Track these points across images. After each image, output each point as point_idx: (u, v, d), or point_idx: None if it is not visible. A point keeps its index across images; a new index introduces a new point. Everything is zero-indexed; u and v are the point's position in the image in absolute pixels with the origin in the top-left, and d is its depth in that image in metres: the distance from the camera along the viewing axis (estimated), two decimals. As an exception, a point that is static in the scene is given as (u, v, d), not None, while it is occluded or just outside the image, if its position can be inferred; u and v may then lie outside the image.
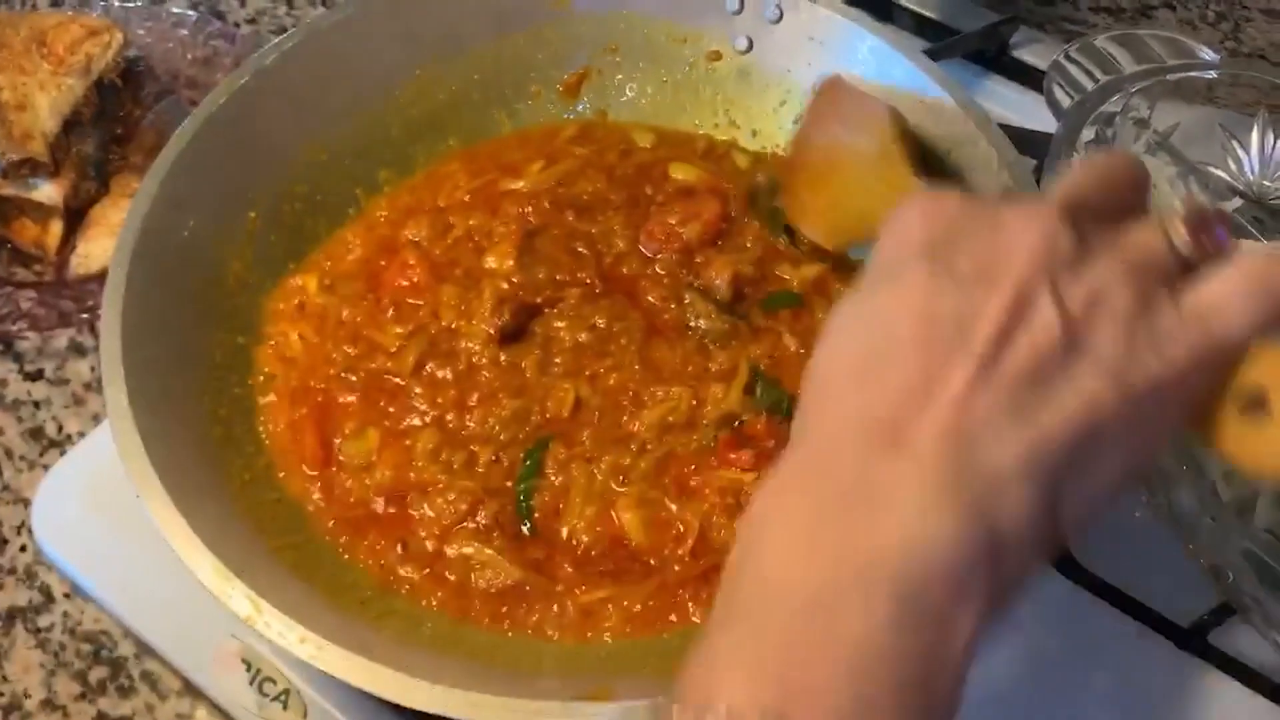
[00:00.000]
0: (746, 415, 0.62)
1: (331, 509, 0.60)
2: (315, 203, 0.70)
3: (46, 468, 0.70)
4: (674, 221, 0.69)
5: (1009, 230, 0.38)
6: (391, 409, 0.63)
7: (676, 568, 0.58)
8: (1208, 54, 0.69)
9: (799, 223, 0.68)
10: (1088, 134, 0.63)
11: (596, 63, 0.76)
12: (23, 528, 0.69)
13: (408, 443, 0.62)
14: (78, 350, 0.77)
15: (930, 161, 0.65)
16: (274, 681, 0.58)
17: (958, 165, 0.65)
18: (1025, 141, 0.67)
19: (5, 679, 0.65)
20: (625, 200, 0.72)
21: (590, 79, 0.77)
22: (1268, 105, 0.66)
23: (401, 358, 0.65)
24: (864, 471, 0.36)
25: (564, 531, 0.59)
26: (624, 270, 0.68)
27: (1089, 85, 0.67)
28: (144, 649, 0.64)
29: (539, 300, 0.66)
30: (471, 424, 0.62)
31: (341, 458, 0.62)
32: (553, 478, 0.60)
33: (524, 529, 0.59)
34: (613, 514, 0.59)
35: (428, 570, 0.58)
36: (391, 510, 0.60)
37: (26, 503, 0.70)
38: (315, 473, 0.61)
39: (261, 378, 0.64)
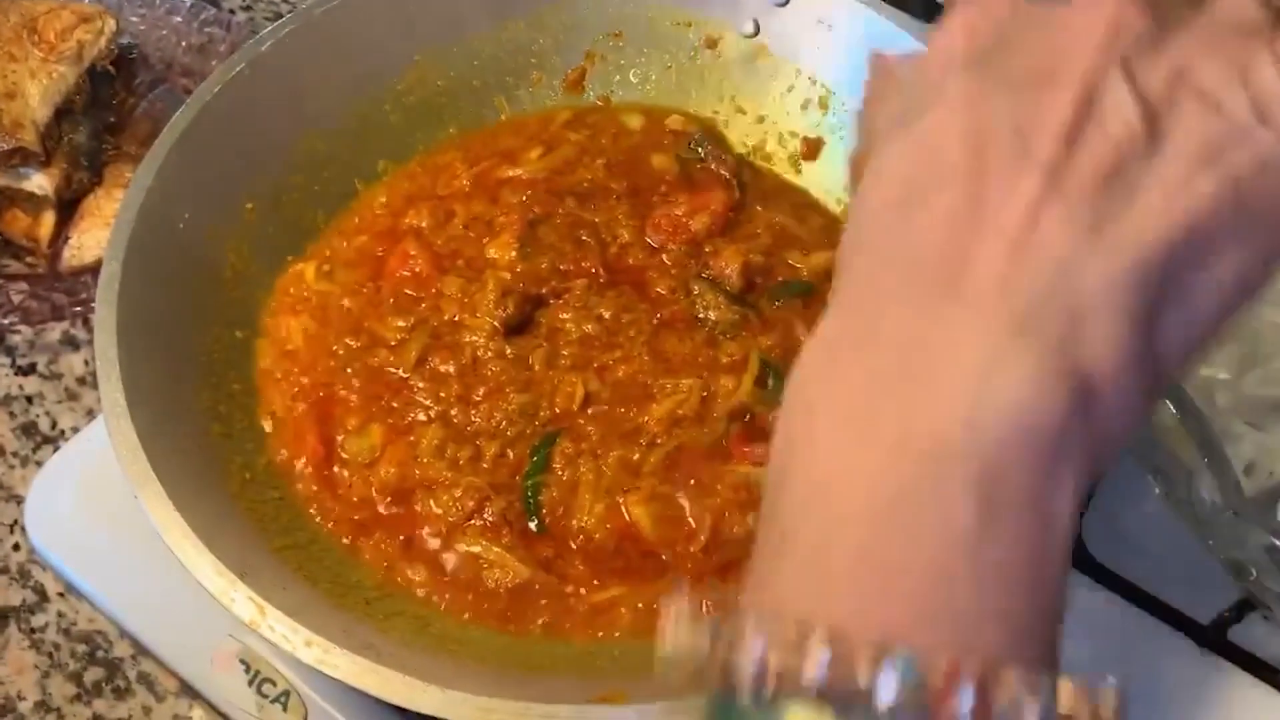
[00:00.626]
0: (758, 408, 0.61)
1: (335, 507, 0.59)
2: (313, 193, 0.69)
3: (39, 464, 0.69)
4: (681, 213, 0.68)
5: (1069, 18, 0.32)
6: (395, 404, 0.62)
7: (689, 565, 0.57)
8: None
9: None
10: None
11: (599, 48, 0.75)
12: (15, 526, 0.68)
13: (412, 439, 0.61)
14: (71, 344, 0.76)
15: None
16: (273, 683, 0.58)
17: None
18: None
19: (-1, 681, 0.64)
20: (626, 189, 0.70)
21: (593, 65, 0.75)
22: None
23: (403, 351, 0.63)
24: (916, 328, 0.30)
25: (573, 528, 0.58)
26: (630, 260, 0.67)
27: None
28: (140, 649, 0.63)
29: (543, 291, 0.65)
30: (477, 419, 0.61)
31: (344, 455, 0.61)
32: (561, 473, 0.59)
33: (532, 526, 0.58)
34: (623, 510, 0.58)
35: (434, 570, 0.57)
36: (396, 508, 0.59)
37: (19, 500, 0.69)
38: (318, 471, 0.60)
39: (261, 372, 0.63)
